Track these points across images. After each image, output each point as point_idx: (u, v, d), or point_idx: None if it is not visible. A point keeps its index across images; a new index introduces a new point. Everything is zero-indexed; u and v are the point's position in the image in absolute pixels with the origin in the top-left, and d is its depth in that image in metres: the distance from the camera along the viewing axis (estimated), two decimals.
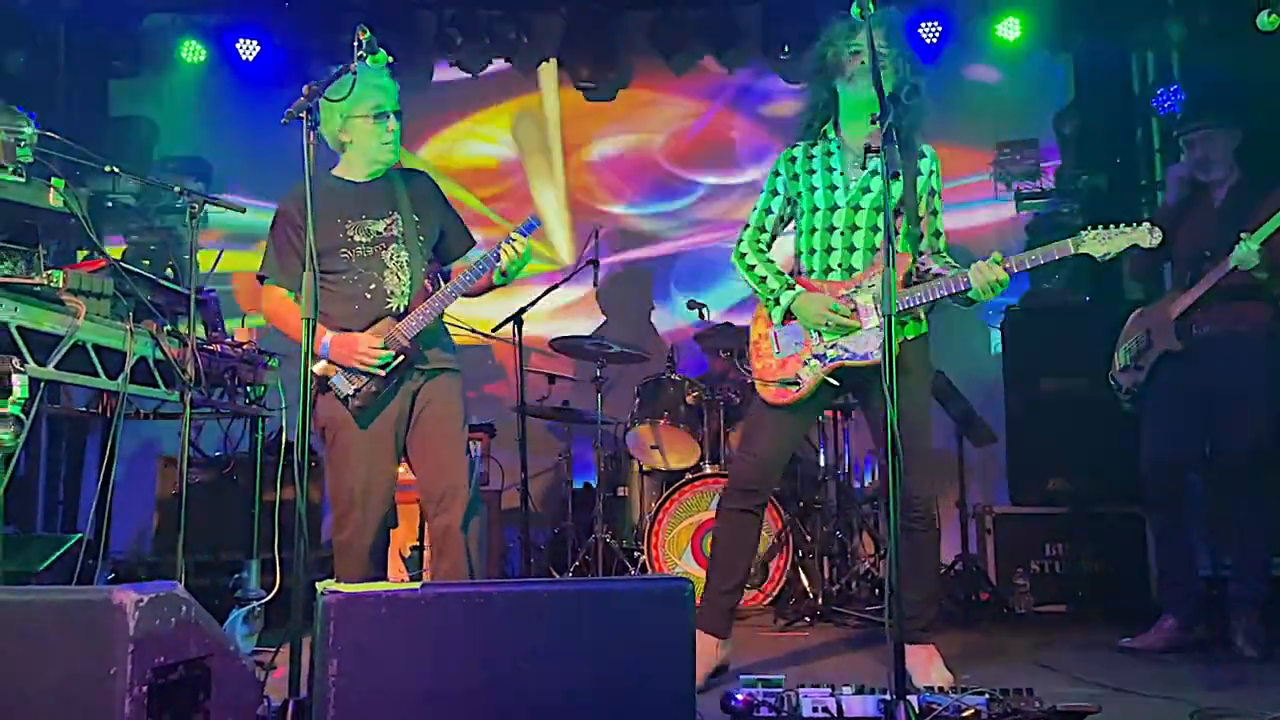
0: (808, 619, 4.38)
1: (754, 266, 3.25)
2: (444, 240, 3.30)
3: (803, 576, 4.68)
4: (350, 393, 3.06)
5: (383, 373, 3.03)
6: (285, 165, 6.58)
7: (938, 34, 5.92)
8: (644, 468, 5.20)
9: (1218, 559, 4.27)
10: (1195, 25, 5.38)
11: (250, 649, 3.62)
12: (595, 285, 5.27)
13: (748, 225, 3.32)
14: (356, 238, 3.12)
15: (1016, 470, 5.14)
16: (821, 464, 5.14)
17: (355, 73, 2.72)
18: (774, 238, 3.32)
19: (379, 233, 3.14)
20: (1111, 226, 2.89)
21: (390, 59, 3.08)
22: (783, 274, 3.20)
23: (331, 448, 3.13)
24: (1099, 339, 4.24)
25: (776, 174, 3.30)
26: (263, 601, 3.86)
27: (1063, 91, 6.14)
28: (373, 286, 3.11)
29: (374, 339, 3.03)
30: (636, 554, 4.97)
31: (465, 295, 3.14)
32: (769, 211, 3.31)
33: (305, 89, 2.57)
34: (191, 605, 1.93)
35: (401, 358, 3.05)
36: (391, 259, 3.13)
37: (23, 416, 2.64)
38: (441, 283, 3.23)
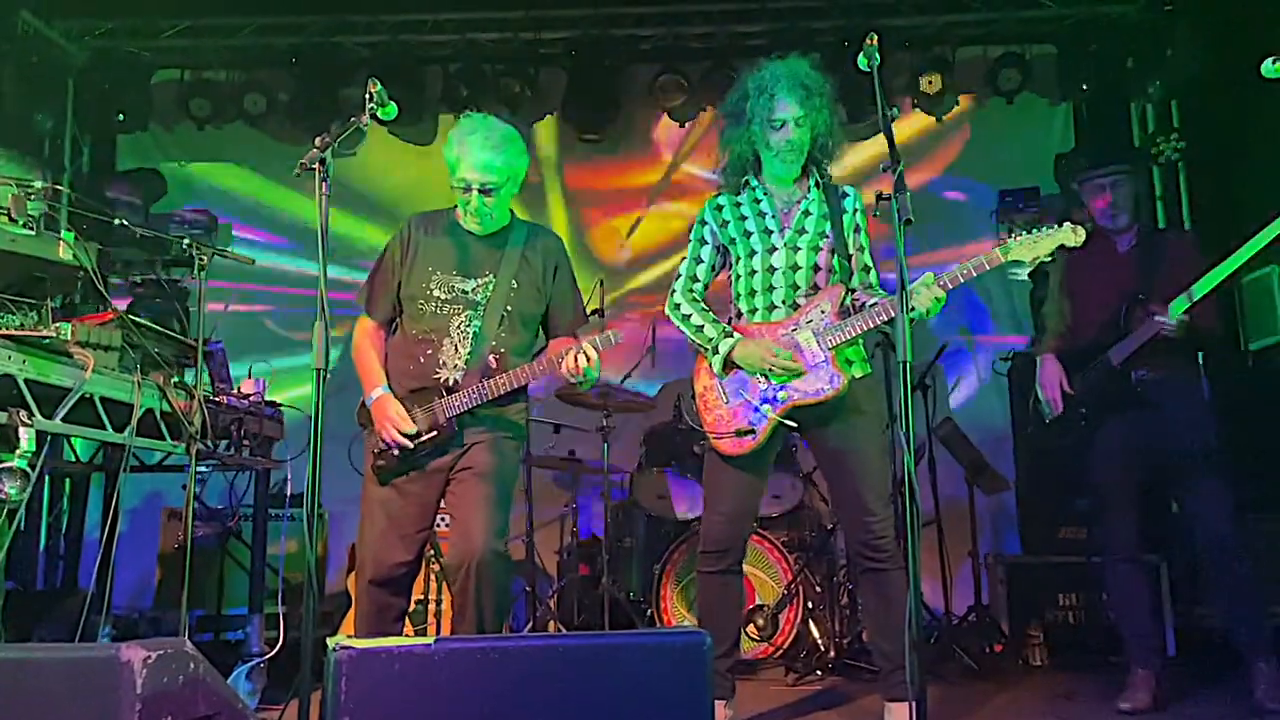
0: (819, 672, 4.30)
1: (689, 316, 3.25)
2: (549, 313, 3.18)
3: (813, 628, 4.61)
4: (377, 450, 3.03)
5: (397, 451, 2.98)
6: (292, 218, 6.68)
7: (937, 84, 6.00)
8: (651, 518, 5.15)
9: (1220, 609, 4.19)
10: (1194, 73, 5.43)
11: (254, 706, 3.56)
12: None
13: (679, 276, 3.34)
14: (436, 292, 3.04)
15: (1028, 519, 5.09)
16: (829, 513, 5.08)
17: (366, 126, 2.72)
18: (706, 287, 3.34)
19: (462, 292, 3.04)
20: (1036, 230, 2.94)
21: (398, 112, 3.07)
22: (719, 322, 3.22)
23: (362, 495, 3.10)
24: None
25: (704, 223, 3.33)
26: (266, 658, 3.80)
27: (1063, 139, 6.19)
28: (429, 352, 3.03)
29: (405, 422, 2.96)
30: (644, 606, 4.90)
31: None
32: (699, 261, 3.33)
33: (316, 141, 2.58)
34: (200, 662, 1.90)
35: (434, 434, 2.97)
36: (458, 327, 3.03)
37: (29, 470, 2.62)
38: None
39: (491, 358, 3.02)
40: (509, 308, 3.06)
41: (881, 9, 5.93)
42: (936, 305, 2.93)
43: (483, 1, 6.12)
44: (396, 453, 2.99)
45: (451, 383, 3.00)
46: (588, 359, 2.87)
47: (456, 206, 3.12)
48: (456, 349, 3.02)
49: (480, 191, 2.99)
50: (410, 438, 2.96)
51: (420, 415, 2.99)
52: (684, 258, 3.37)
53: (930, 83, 5.97)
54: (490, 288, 3.05)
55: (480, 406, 2.99)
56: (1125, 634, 3.74)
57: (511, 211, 3.19)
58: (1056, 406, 3.80)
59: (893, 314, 2.94)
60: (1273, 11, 4.56)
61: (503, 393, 2.97)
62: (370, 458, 3.06)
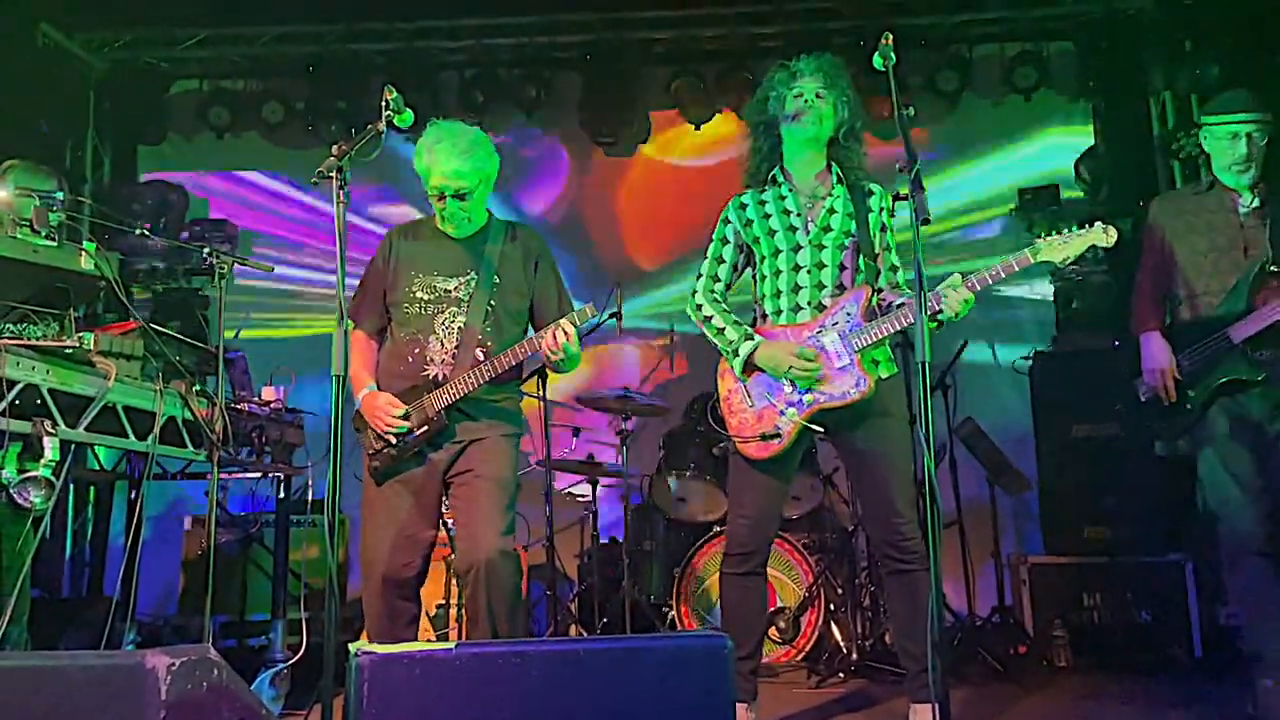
0: (842, 674, 4.27)
1: (710, 317, 3.22)
2: (533, 307, 3.20)
3: (835, 630, 4.59)
4: (371, 451, 3.05)
5: (393, 440, 2.99)
6: (311, 227, 6.71)
7: (956, 83, 5.98)
8: (670, 521, 5.14)
9: None
10: (1214, 68, 5.38)
11: (278, 712, 3.57)
12: (619, 336, 5.25)
13: (700, 275, 3.31)
14: (419, 294, 3.08)
15: (1050, 519, 5.04)
16: (850, 514, 5.06)
17: (383, 133, 2.72)
18: (729, 287, 3.31)
19: (445, 291, 3.07)
20: (1066, 231, 2.88)
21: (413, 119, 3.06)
22: (740, 324, 3.18)
23: (363, 501, 3.11)
24: (1128, 382, 4.17)
25: (727, 221, 3.30)
26: (289, 663, 3.82)
27: (1082, 137, 6.15)
28: (416, 350, 3.06)
29: (395, 406, 2.99)
30: (665, 609, 4.89)
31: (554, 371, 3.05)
32: (721, 260, 3.30)
33: (334, 149, 2.59)
34: (224, 669, 1.90)
35: (425, 428, 2.99)
36: (443, 324, 3.06)
37: (54, 479, 2.64)
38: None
39: (478, 351, 3.03)
40: (492, 303, 3.08)
41: (896, 8, 5.91)
42: (965, 307, 2.89)
43: (497, 7, 6.14)
44: (391, 450, 3.01)
45: (440, 378, 3.02)
46: (565, 334, 2.88)
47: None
48: (442, 344, 3.05)
49: (454, 197, 3.02)
50: (402, 419, 2.98)
51: (411, 412, 3.00)
52: (705, 257, 3.33)
53: (947, 81, 5.95)
54: (473, 284, 3.08)
55: (469, 397, 2.99)
56: (1253, 642, 3.21)
57: (489, 211, 3.22)
58: (1168, 394, 3.37)
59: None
60: None
61: (488, 379, 2.97)
62: (366, 459, 3.08)
